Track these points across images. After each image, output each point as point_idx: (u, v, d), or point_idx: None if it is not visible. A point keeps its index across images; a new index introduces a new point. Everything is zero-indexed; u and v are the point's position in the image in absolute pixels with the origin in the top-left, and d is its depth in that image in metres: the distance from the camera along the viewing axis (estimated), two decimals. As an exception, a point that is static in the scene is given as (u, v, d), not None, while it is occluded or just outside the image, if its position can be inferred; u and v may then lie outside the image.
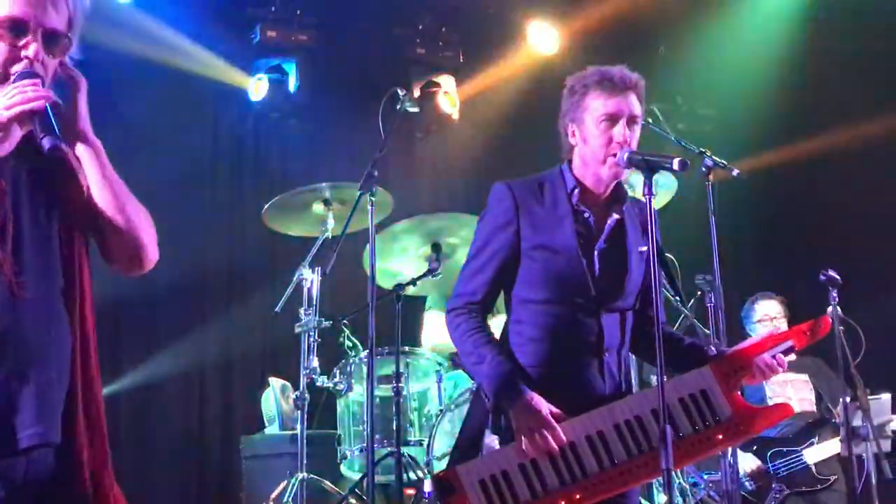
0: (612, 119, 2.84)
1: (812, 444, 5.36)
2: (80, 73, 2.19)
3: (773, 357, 2.79)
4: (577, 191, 2.91)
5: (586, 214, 2.90)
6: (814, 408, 5.54)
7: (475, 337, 2.83)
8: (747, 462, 5.33)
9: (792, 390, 5.54)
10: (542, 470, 2.65)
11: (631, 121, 2.87)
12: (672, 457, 2.49)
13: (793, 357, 5.56)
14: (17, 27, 2.07)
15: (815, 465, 5.32)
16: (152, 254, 2.26)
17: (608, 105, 2.84)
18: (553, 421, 2.66)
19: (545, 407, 2.68)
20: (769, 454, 5.38)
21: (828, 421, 5.48)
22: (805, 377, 5.60)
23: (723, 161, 4.73)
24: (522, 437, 2.67)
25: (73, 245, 2.15)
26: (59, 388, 2.07)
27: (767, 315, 5.64)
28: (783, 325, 5.49)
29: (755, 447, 5.41)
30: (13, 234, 2.04)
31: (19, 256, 2.04)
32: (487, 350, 2.79)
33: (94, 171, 2.14)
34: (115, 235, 2.18)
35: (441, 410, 4.98)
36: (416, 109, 6.59)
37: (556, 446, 2.64)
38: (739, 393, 2.76)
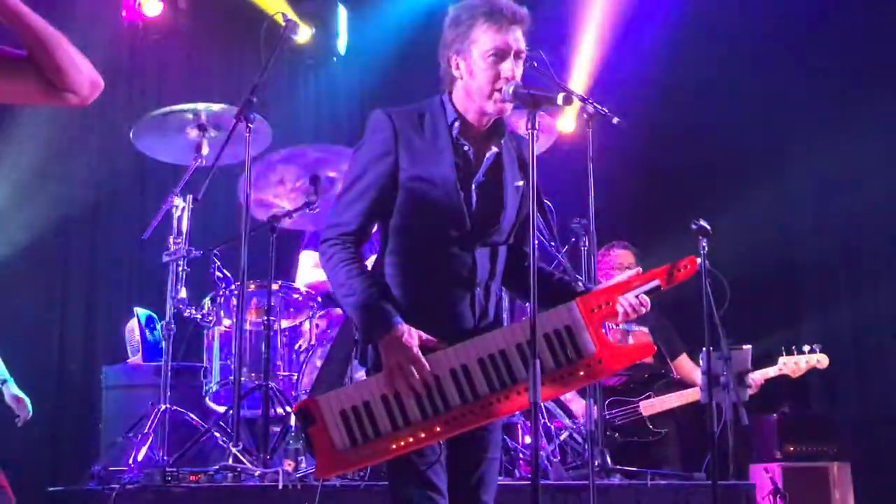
0: (501, 54, 2.79)
1: (648, 396, 5.52)
2: None
3: (637, 297, 2.81)
4: (457, 123, 2.86)
5: (466, 147, 2.85)
6: (651, 361, 5.68)
7: (348, 268, 2.75)
8: (581, 407, 5.41)
9: (632, 340, 5.66)
10: (404, 402, 2.62)
11: (517, 55, 2.82)
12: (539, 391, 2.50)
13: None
14: None
15: (649, 417, 5.49)
16: (94, 72, 2.23)
17: (496, 39, 2.78)
18: (421, 357, 2.63)
19: (415, 340, 2.65)
20: (607, 403, 5.48)
21: (664, 375, 5.65)
22: (646, 329, 5.73)
23: (603, 109, 4.77)
24: (389, 372, 2.63)
25: None
26: None
27: (620, 264, 5.71)
28: None
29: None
30: None
31: None
32: (359, 281, 2.73)
33: (24, 23, 2.10)
34: (61, 70, 2.15)
35: (312, 346, 4.92)
36: (298, 37, 6.44)
37: (420, 384, 2.61)
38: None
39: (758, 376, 5.43)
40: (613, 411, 5.51)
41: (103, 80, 2.21)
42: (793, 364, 5.45)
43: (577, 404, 5.47)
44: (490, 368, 2.65)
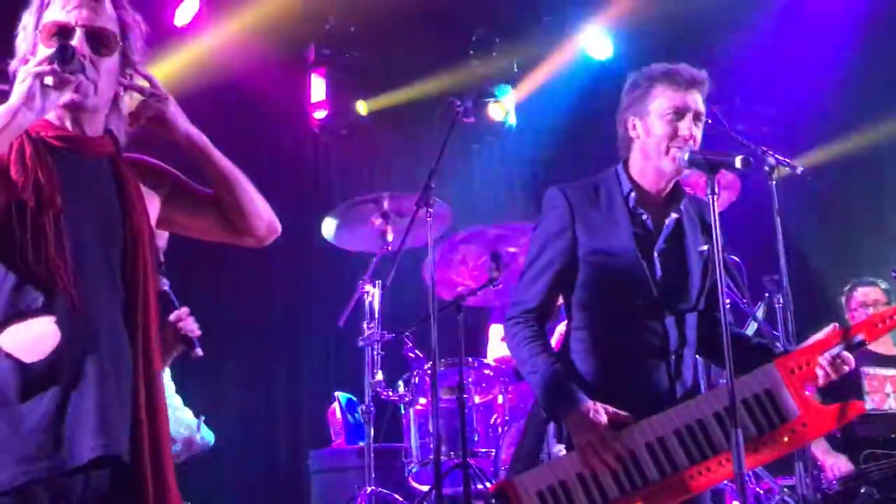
0: (679, 113, 2.79)
1: None
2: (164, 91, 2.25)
3: (839, 355, 2.70)
4: (633, 193, 2.86)
5: (644, 216, 2.85)
6: None
7: (531, 346, 2.79)
8: (840, 464, 5.03)
9: (891, 387, 5.21)
10: (600, 479, 2.60)
11: (696, 117, 2.82)
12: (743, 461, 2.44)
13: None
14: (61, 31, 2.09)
15: None
16: (273, 217, 2.41)
17: (675, 98, 2.80)
18: (612, 433, 2.61)
19: (603, 417, 2.63)
20: (862, 456, 5.05)
21: None
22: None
23: (786, 159, 4.64)
24: (581, 450, 2.63)
25: (137, 254, 2.13)
26: (121, 403, 2.01)
27: (864, 302, 5.30)
28: None
29: (848, 448, 5.07)
30: (72, 244, 2.03)
31: (80, 267, 2.02)
32: (542, 359, 2.76)
33: (213, 164, 2.29)
34: (242, 213, 2.34)
35: (507, 420, 4.95)
36: (471, 120, 6.61)
37: (613, 461, 2.59)
38: (817, 388, 2.66)
39: None
40: (869, 465, 5.09)
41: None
42: None
43: (839, 464, 5.03)
44: (688, 439, 2.60)
